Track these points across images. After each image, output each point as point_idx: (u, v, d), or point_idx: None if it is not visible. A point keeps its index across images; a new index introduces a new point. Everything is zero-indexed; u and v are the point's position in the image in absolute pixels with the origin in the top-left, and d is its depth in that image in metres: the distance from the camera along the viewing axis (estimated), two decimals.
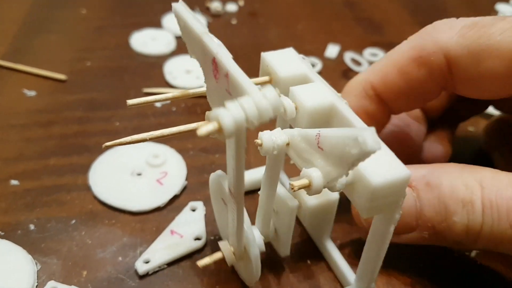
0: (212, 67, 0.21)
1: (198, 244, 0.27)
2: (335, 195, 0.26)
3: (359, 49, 0.46)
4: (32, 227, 0.27)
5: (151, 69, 0.41)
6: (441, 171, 0.23)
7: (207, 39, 0.20)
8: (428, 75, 0.25)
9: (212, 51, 0.20)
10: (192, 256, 0.27)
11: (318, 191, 0.20)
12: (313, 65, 0.43)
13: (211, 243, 0.28)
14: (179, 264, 0.26)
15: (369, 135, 0.16)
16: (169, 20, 0.47)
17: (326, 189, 0.25)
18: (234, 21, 0.49)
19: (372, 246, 0.23)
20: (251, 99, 0.17)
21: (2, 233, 0.27)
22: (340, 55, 0.45)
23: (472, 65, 0.24)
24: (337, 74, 0.43)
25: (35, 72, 0.39)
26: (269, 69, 0.26)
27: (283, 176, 0.32)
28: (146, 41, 0.44)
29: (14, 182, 0.30)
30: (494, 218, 0.21)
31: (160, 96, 0.24)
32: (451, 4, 0.56)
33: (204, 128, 0.16)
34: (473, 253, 0.28)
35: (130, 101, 0.24)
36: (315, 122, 0.23)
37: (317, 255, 0.28)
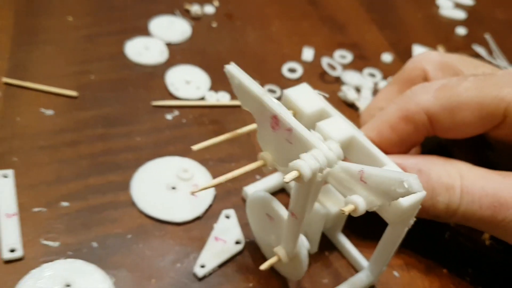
0: (271, 120, 0.26)
1: (239, 247, 0.33)
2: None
3: (329, 51, 0.52)
4: (95, 244, 0.32)
5: (151, 79, 0.45)
6: (429, 161, 0.31)
7: (267, 99, 0.25)
8: (414, 129, 0.32)
9: (274, 110, 0.25)
10: (235, 257, 0.33)
11: (361, 213, 0.26)
12: (294, 71, 0.49)
13: (248, 245, 0.33)
14: (227, 265, 0.32)
15: (413, 180, 0.23)
16: (156, 26, 0.50)
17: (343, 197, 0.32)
18: (214, 24, 0.53)
19: (387, 243, 0.29)
20: (320, 151, 0.23)
21: (71, 253, 0.31)
22: (316, 58, 0.51)
23: (448, 118, 0.31)
24: (316, 78, 0.49)
25: (46, 90, 0.41)
26: (292, 105, 0.31)
27: None
28: (140, 51, 0.47)
29: (64, 204, 0.34)
30: (469, 201, 0.29)
31: (220, 138, 0.29)
32: (400, 1, 0.64)
33: (288, 176, 0.23)
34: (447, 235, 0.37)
35: (195, 147, 0.28)
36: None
37: (330, 246, 0.35)
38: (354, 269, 0.34)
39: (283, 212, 0.28)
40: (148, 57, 0.46)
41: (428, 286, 0.33)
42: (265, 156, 0.28)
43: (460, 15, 0.63)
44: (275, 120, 0.26)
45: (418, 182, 0.23)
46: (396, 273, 0.34)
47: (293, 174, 0.23)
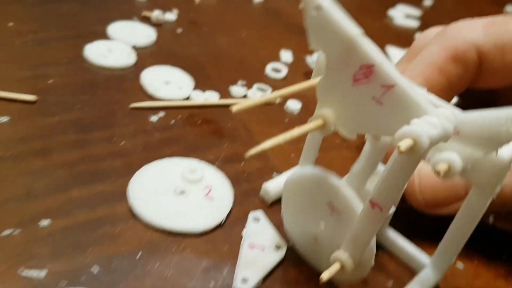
0: (358, 71, 0.20)
1: (281, 253, 0.26)
2: None
3: (310, 52, 0.48)
4: (95, 269, 0.23)
5: (123, 82, 0.38)
6: None
7: (365, 44, 0.19)
8: (465, 70, 0.28)
9: (373, 58, 0.19)
10: (279, 266, 0.26)
11: (456, 174, 0.21)
12: (279, 71, 0.44)
13: (290, 250, 0.27)
14: (272, 277, 0.25)
15: None
16: (116, 30, 0.43)
17: None
18: (179, 30, 0.48)
19: (463, 221, 0.24)
20: (437, 119, 0.18)
21: (65, 283, 0.22)
22: (295, 59, 0.47)
23: (499, 57, 0.28)
24: (301, 76, 0.45)
25: None
26: None
27: None
28: (104, 53, 0.40)
29: (44, 222, 0.25)
30: None
31: (260, 99, 0.23)
32: (354, 13, 0.63)
33: (404, 144, 0.17)
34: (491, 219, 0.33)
35: (235, 108, 0.22)
36: None
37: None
38: (410, 268, 0.28)
39: (356, 204, 0.22)
40: (114, 59, 0.39)
41: (495, 274, 0.29)
42: (325, 114, 0.21)
43: (414, 23, 0.64)
44: (367, 71, 0.19)
45: None
46: (460, 265, 0.29)
47: (407, 142, 0.17)
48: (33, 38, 0.40)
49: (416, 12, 0.68)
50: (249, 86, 0.41)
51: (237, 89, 0.40)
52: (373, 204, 0.20)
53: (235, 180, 0.31)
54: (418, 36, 0.35)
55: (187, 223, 0.26)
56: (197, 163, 0.31)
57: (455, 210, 0.27)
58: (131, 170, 0.29)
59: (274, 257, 0.26)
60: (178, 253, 0.25)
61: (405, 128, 0.17)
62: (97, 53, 0.40)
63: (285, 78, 0.43)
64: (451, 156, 0.21)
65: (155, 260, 0.25)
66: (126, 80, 0.38)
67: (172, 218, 0.27)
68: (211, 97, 0.38)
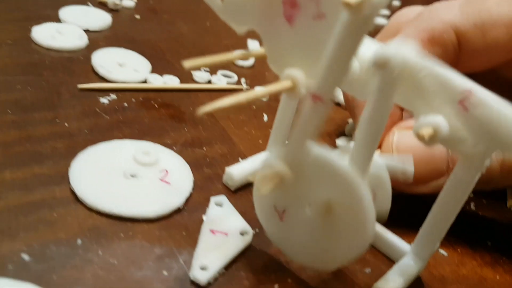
0: (283, 9, 0.18)
1: (247, 239, 0.23)
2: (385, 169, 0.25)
3: None
4: (26, 257, 0.20)
5: (73, 64, 0.34)
6: None
7: None
8: (443, 52, 0.26)
9: None
10: (245, 253, 0.23)
11: (439, 141, 0.19)
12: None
13: (257, 236, 0.24)
14: (236, 264, 0.22)
15: None
16: (68, 14, 0.40)
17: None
18: (137, 16, 0.44)
19: (447, 201, 0.21)
20: None
21: None
22: None
23: (479, 37, 0.26)
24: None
25: None
26: None
27: None
28: (52, 35, 0.36)
29: None
30: None
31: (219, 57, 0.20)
32: None
33: None
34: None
35: (187, 63, 0.19)
36: None
37: None
38: (388, 258, 0.25)
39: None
40: (63, 41, 0.36)
41: (481, 262, 0.26)
42: (292, 73, 0.19)
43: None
44: (291, 3, 0.18)
45: None
46: (443, 253, 0.26)
47: None
48: None
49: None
50: (212, 72, 0.38)
51: (200, 74, 0.37)
52: (314, 97, 0.17)
53: (196, 165, 0.27)
54: (393, 16, 0.33)
55: (138, 208, 0.23)
56: (152, 146, 0.27)
57: (434, 189, 0.25)
58: (74, 153, 0.26)
59: (238, 243, 0.23)
60: (127, 240, 0.22)
61: None
62: (46, 35, 0.36)
63: (253, 66, 0.41)
64: (437, 119, 0.18)
65: (98, 247, 0.21)
66: (76, 62, 0.34)
67: (120, 202, 0.23)
68: (170, 81, 0.35)
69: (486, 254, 0.27)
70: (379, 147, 0.27)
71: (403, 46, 0.17)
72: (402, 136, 0.26)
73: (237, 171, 0.27)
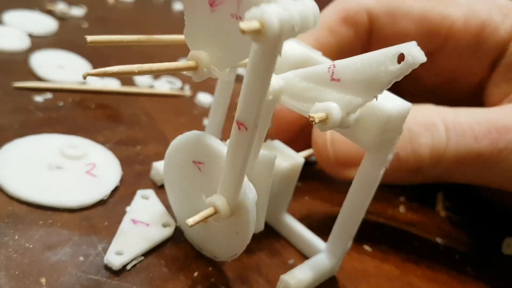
0: None
1: (169, 231, 0.23)
2: (301, 159, 0.25)
3: None
4: None
5: (11, 64, 0.34)
6: None
7: None
8: (355, 33, 0.28)
9: None
10: (166, 244, 0.23)
11: (335, 125, 0.19)
12: None
13: (179, 229, 0.24)
14: (156, 253, 0.22)
15: (414, 47, 0.17)
16: (11, 17, 0.40)
17: (292, 152, 0.25)
18: (85, 25, 0.45)
19: (357, 196, 0.22)
20: (294, 4, 0.16)
21: None
22: None
23: (389, 24, 0.27)
24: None
25: None
26: None
27: None
28: None
29: None
30: (458, 135, 0.23)
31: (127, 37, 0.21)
32: None
33: (246, 25, 0.14)
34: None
35: (90, 37, 0.19)
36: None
37: (273, 234, 0.26)
38: (306, 257, 0.25)
39: (221, 147, 0.20)
40: (3, 42, 0.36)
41: (404, 258, 0.27)
42: (197, 54, 0.19)
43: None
44: None
45: (419, 49, 0.17)
46: (368, 248, 0.27)
47: (254, 23, 0.14)
48: None
49: None
50: (156, 77, 0.39)
51: (142, 78, 0.37)
52: (239, 124, 0.18)
53: (127, 162, 0.28)
54: None
55: (60, 198, 0.23)
56: (80, 140, 0.27)
57: None
58: (1, 144, 0.25)
59: (159, 233, 0.23)
60: (45, 227, 0.22)
61: (253, 10, 0.15)
62: None
63: None
64: (330, 105, 0.19)
65: (15, 232, 0.21)
66: (14, 63, 0.34)
67: (42, 192, 0.23)
68: (111, 84, 0.35)
69: (411, 252, 0.28)
70: (311, 145, 0.27)
71: (277, 6, 0.15)
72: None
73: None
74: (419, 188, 0.33)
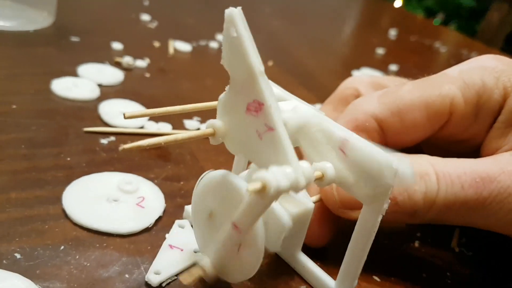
0: (251, 103, 0.21)
1: (199, 256, 0.28)
2: (311, 204, 0.28)
3: None
4: (18, 256, 0.25)
5: (83, 111, 0.41)
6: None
7: (263, 82, 0.20)
8: (368, 137, 0.31)
9: (265, 98, 0.20)
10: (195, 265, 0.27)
11: (327, 184, 0.23)
12: None
13: None
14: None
15: (407, 167, 0.20)
16: (85, 70, 0.47)
17: (303, 197, 0.28)
18: (147, 75, 0.51)
19: (358, 240, 0.25)
20: (293, 172, 0.20)
21: None
22: None
23: (397, 122, 0.30)
24: None
25: None
26: None
27: None
28: (69, 87, 0.43)
29: None
30: (448, 183, 0.26)
31: (159, 110, 0.26)
32: (319, 72, 0.67)
33: (251, 186, 0.18)
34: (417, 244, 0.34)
35: (128, 113, 0.24)
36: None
37: (288, 270, 0.29)
38: None
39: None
40: (78, 92, 0.43)
41: None
42: (217, 124, 0.23)
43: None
44: (258, 107, 0.21)
45: (412, 171, 0.21)
46: (376, 278, 0.30)
47: (255, 185, 0.18)
48: (6, 73, 0.44)
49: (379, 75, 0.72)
50: (203, 121, 0.44)
51: (190, 123, 0.43)
52: (235, 226, 0.22)
53: (171, 195, 0.33)
54: (342, 84, 0.39)
55: (114, 225, 0.28)
56: (135, 178, 0.33)
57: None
58: (71, 180, 0.31)
59: (191, 257, 0.27)
60: (100, 249, 0.27)
61: (261, 172, 0.18)
62: (63, 86, 0.43)
63: None
64: (326, 166, 0.23)
65: (76, 253, 0.26)
66: (85, 110, 0.41)
67: (100, 220, 0.28)
68: (163, 128, 0.41)
69: (418, 284, 0.30)
70: (319, 191, 0.31)
71: (280, 174, 0.19)
72: None
73: None
74: (437, 225, 0.35)
